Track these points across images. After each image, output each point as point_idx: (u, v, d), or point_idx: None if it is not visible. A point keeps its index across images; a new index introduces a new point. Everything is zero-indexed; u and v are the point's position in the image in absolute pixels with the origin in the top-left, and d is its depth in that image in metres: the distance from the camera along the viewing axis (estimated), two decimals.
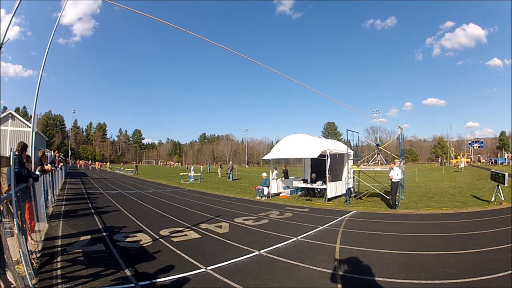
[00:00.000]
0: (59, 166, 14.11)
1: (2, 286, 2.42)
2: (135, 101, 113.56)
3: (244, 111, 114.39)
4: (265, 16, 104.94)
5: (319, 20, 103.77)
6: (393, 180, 9.49)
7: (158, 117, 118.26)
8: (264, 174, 13.27)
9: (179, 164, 76.94)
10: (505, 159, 38.99)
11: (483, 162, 41.20)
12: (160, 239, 5.65)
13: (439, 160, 55.70)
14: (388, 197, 10.49)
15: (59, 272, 3.89)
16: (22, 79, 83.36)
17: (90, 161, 57.41)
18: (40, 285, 3.50)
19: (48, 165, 9.42)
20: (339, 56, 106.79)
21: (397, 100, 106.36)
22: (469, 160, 46.44)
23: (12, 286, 2.85)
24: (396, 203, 9.67)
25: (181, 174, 23.56)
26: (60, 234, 5.90)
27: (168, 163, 77.46)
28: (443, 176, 23.04)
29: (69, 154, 56.23)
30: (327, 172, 10.91)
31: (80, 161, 55.01)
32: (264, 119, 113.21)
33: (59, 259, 4.39)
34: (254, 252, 4.93)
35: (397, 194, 10.24)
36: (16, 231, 3.22)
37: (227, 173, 24.99)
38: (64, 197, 11.70)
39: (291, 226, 7.07)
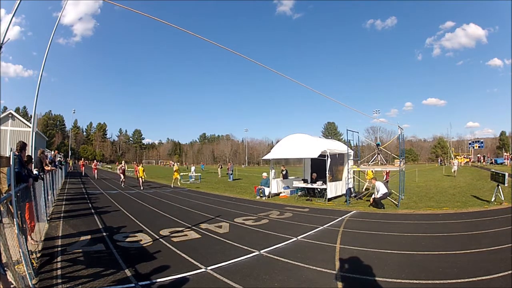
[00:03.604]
0: (57, 162, 14.11)
1: (2, 286, 2.42)
2: (135, 101, 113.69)
3: (244, 111, 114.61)
4: (265, 16, 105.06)
5: (319, 20, 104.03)
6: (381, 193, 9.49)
7: (158, 117, 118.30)
8: (265, 174, 13.28)
9: (179, 164, 76.93)
10: (504, 159, 38.99)
11: (483, 162, 41.15)
12: (160, 239, 5.65)
13: (439, 160, 55.76)
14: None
15: (59, 272, 3.89)
16: (22, 79, 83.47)
17: (122, 163, 20.67)
18: (40, 285, 3.50)
19: (48, 165, 9.43)
20: (339, 56, 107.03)
21: (397, 100, 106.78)
22: (468, 160, 46.50)
23: (12, 286, 2.85)
24: (396, 203, 9.68)
25: (181, 174, 23.55)
26: (60, 234, 5.90)
27: (168, 163, 77.50)
28: (443, 176, 23.05)
29: (69, 154, 56.20)
30: (327, 172, 10.92)
31: (93, 163, 29.17)
32: (264, 119, 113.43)
33: (59, 259, 4.39)
34: (254, 252, 4.93)
35: (398, 194, 10.29)
36: (16, 231, 3.22)
37: (227, 173, 25.01)
38: (64, 197, 11.69)
39: (291, 226, 7.07)
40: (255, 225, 7.12)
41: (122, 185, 17.49)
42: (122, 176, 18.35)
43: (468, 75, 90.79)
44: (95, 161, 32.66)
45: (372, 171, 12.57)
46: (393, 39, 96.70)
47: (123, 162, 19.41)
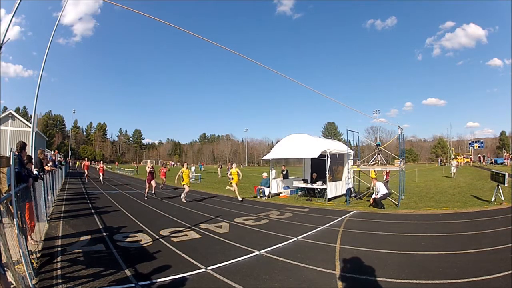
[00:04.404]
0: (57, 162, 14.11)
1: (2, 286, 2.42)
2: (135, 101, 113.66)
3: (244, 111, 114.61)
4: (265, 16, 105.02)
5: (319, 20, 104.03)
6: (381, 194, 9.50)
7: (158, 117, 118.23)
8: (265, 174, 13.28)
9: (179, 164, 76.98)
10: (504, 159, 38.95)
11: (483, 162, 41.11)
12: (160, 239, 5.65)
13: (439, 160, 55.77)
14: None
15: (59, 272, 3.89)
16: (22, 79, 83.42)
17: (148, 164, 14.45)
18: (40, 285, 3.50)
19: (49, 164, 9.43)
20: (339, 56, 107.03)
21: (397, 100, 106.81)
22: (469, 160, 46.49)
23: (12, 286, 2.85)
24: (396, 203, 9.68)
25: (178, 174, 23.50)
26: (60, 234, 5.91)
27: (168, 163, 77.56)
28: (443, 177, 23.04)
29: (69, 154, 56.21)
30: (327, 172, 10.92)
31: (99, 164, 23.55)
32: (264, 119, 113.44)
33: (59, 259, 4.39)
34: (254, 252, 4.93)
35: (398, 194, 10.29)
36: (16, 231, 3.22)
37: (227, 173, 25.02)
38: (64, 197, 11.70)
39: (291, 226, 7.07)
40: (255, 225, 7.12)
41: (152, 193, 12.19)
42: (149, 184, 12.18)
43: (468, 75, 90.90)
44: (101, 162, 23.68)
45: (375, 171, 12.57)
46: (393, 39, 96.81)
47: (148, 162, 13.01)
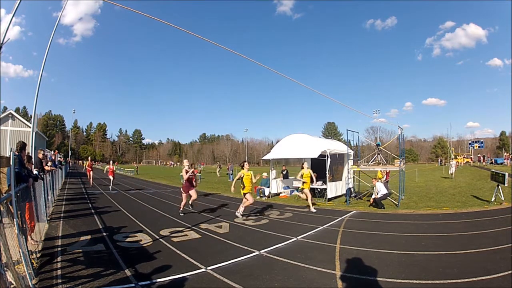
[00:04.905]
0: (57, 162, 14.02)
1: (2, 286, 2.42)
2: (135, 101, 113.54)
3: (244, 111, 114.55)
4: (265, 16, 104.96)
5: (319, 20, 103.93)
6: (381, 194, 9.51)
7: (158, 117, 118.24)
8: (265, 174, 13.28)
9: (179, 164, 77.04)
10: (504, 159, 38.96)
11: (483, 162, 41.11)
12: (160, 239, 5.65)
13: (439, 160, 55.77)
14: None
15: (59, 272, 3.89)
16: (22, 79, 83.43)
17: (186, 164, 9.04)
18: (40, 285, 3.50)
19: (49, 164, 9.44)
20: (339, 56, 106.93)
21: (397, 100, 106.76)
22: (469, 160, 46.50)
23: (12, 286, 2.85)
24: (396, 203, 9.68)
25: (181, 174, 23.52)
26: (60, 234, 5.90)
27: (167, 163, 77.62)
28: (442, 177, 23.03)
29: (69, 154, 56.21)
30: (327, 172, 10.92)
31: (108, 165, 18.48)
32: (264, 119, 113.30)
33: (59, 259, 4.39)
34: (254, 252, 4.93)
35: (398, 194, 10.29)
36: (16, 231, 3.22)
37: (227, 173, 25.05)
38: (64, 197, 11.70)
39: (291, 226, 7.07)
40: (255, 225, 7.12)
41: (190, 204, 8.76)
42: (186, 194, 8.61)
43: (468, 75, 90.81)
44: (111, 162, 18.03)
45: (381, 171, 12.52)
46: (393, 39, 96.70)
47: (185, 162, 9.57)
